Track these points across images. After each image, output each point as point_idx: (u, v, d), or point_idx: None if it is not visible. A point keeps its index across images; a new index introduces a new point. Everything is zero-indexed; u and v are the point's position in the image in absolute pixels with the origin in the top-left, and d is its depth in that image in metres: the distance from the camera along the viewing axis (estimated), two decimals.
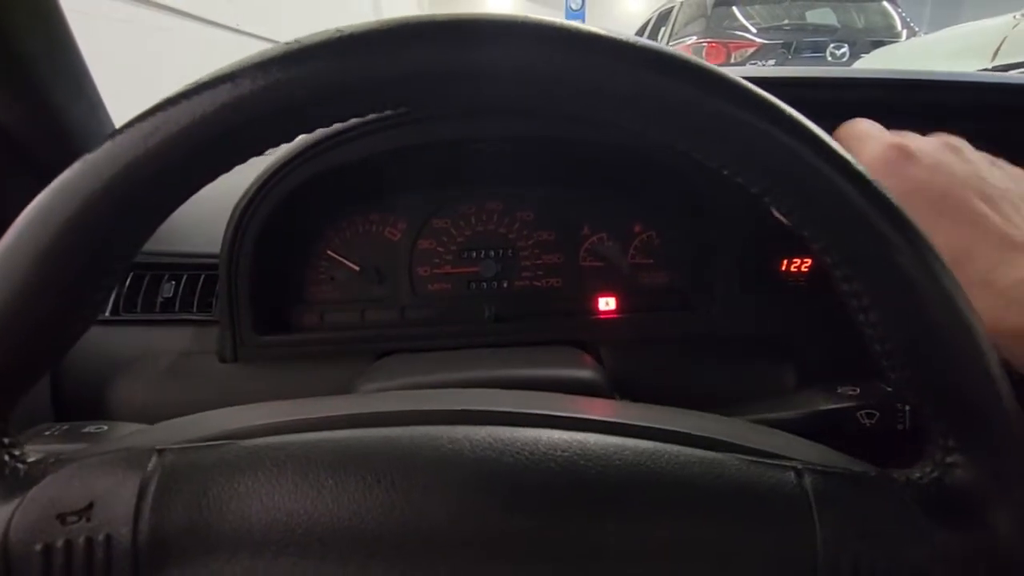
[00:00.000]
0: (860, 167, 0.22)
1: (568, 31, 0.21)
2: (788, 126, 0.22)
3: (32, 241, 0.21)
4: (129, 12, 2.50)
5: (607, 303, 0.59)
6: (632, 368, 0.53)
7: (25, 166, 0.52)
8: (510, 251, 0.60)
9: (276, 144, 0.23)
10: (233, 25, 3.62)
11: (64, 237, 0.21)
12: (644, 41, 0.21)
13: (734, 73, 0.22)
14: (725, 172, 0.23)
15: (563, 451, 0.23)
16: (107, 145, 0.21)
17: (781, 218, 0.23)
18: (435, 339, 0.55)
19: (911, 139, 0.34)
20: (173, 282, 0.56)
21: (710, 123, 0.22)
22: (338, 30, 0.21)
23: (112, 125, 0.58)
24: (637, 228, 0.60)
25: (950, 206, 0.31)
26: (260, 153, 0.23)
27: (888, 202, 0.22)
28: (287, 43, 0.22)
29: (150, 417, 0.51)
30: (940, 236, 0.30)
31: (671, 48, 0.22)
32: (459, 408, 0.26)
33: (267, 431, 0.25)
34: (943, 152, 0.33)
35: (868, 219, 0.21)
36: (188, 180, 0.23)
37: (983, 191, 0.31)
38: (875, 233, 0.21)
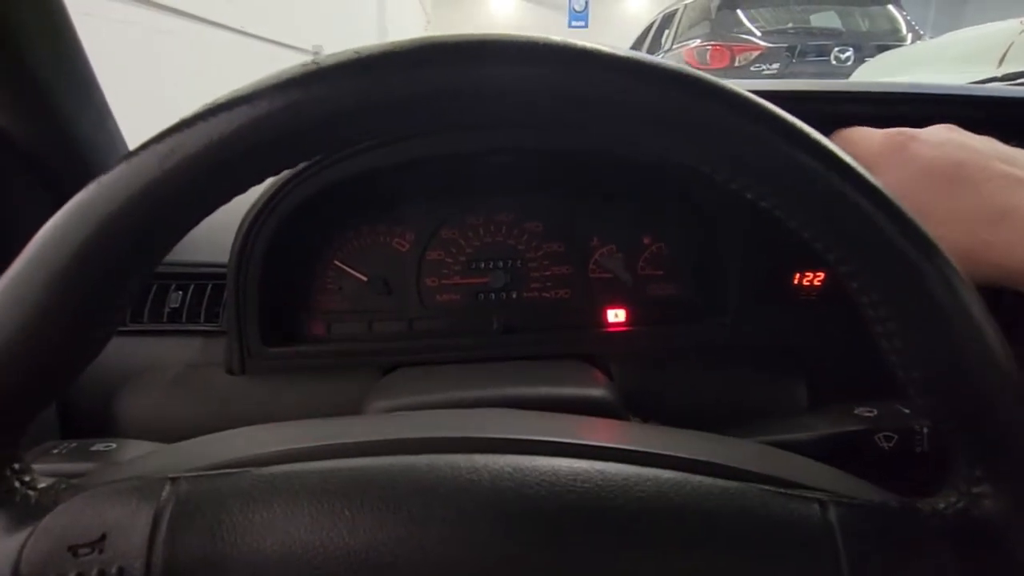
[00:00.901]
0: (890, 193, 0.21)
1: (594, 53, 0.21)
2: (814, 150, 0.21)
3: (47, 264, 0.21)
4: (127, 12, 2.51)
5: (616, 315, 0.59)
6: (642, 383, 0.53)
7: (31, 173, 0.52)
8: (519, 262, 0.59)
9: (294, 165, 0.23)
10: (237, 27, 3.62)
11: (79, 260, 0.21)
12: (672, 64, 0.21)
13: (757, 95, 0.22)
14: (748, 195, 0.23)
15: (583, 482, 0.23)
16: (123, 166, 0.21)
17: None
18: (443, 351, 0.55)
19: (910, 129, 0.34)
20: (180, 292, 0.56)
21: (735, 146, 0.21)
22: (356, 51, 0.21)
23: (120, 134, 0.58)
24: (647, 240, 0.59)
25: (971, 172, 0.31)
26: (277, 173, 0.23)
27: (917, 229, 0.21)
28: (304, 64, 0.21)
29: (157, 429, 0.51)
30: (966, 200, 0.30)
31: (702, 72, 0.22)
32: (478, 436, 0.26)
33: (282, 458, 0.24)
34: (948, 132, 0.34)
35: (898, 246, 0.21)
36: (204, 201, 0.22)
37: (999, 154, 0.31)
38: (905, 261, 0.21)
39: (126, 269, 0.22)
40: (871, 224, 0.21)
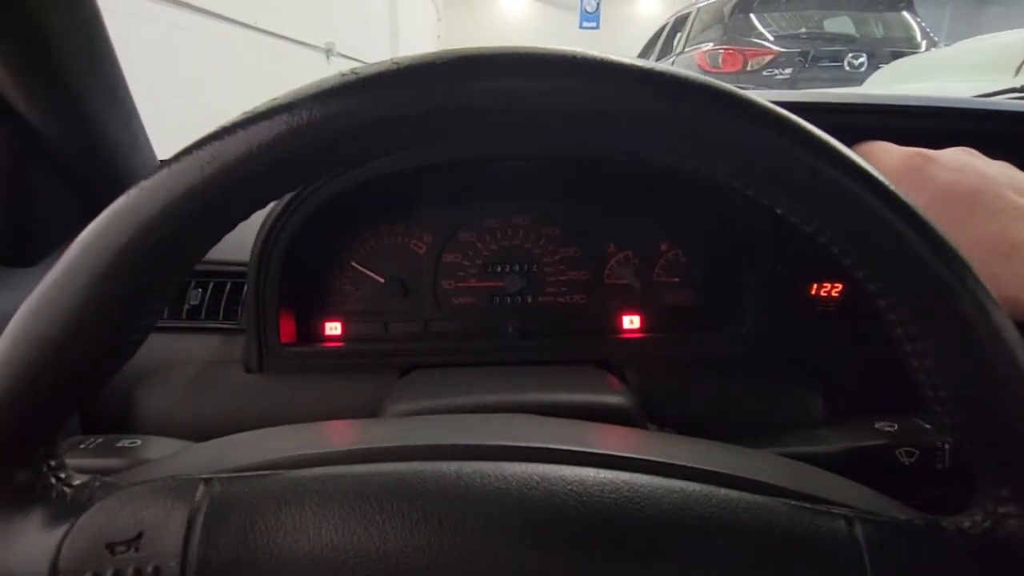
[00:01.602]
0: (922, 212, 0.21)
1: (613, 64, 0.21)
2: (849, 168, 0.21)
3: (88, 267, 0.21)
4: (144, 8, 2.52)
5: (631, 322, 0.59)
6: (658, 390, 0.53)
7: (57, 171, 0.52)
8: (535, 266, 0.60)
9: (330, 174, 0.23)
10: (251, 22, 3.63)
11: (120, 262, 0.21)
12: (710, 80, 0.21)
13: (786, 110, 0.22)
14: (779, 211, 0.23)
15: (610, 492, 0.23)
16: (164, 172, 0.21)
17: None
18: (458, 354, 0.55)
19: (929, 150, 0.34)
20: (199, 289, 0.56)
21: (768, 163, 0.21)
22: (394, 61, 0.21)
23: (145, 134, 0.59)
24: (664, 246, 0.60)
25: (986, 201, 0.31)
26: (313, 182, 0.23)
27: (951, 249, 0.21)
28: (343, 73, 0.22)
29: (176, 425, 0.51)
30: (979, 230, 0.30)
31: (734, 87, 0.22)
32: (506, 444, 0.26)
33: (312, 461, 0.25)
34: (965, 155, 0.34)
35: (930, 266, 0.21)
36: (242, 207, 0.23)
37: (1013, 184, 0.32)
38: (936, 280, 0.21)
39: (164, 273, 0.22)
40: (904, 243, 0.21)
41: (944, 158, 0.33)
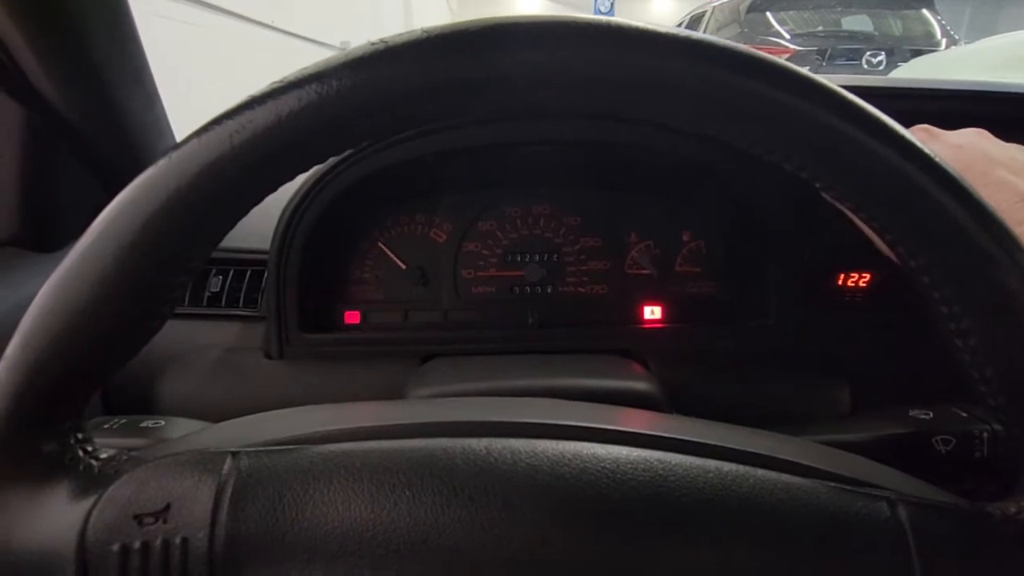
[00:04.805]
0: (968, 184, 0.21)
1: (670, 37, 0.20)
2: (892, 139, 0.21)
3: (116, 237, 0.21)
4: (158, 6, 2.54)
5: (652, 312, 0.58)
6: (680, 380, 0.52)
7: (81, 154, 0.53)
8: (556, 256, 0.59)
9: (358, 145, 0.23)
10: (268, 22, 3.66)
11: (147, 233, 0.21)
12: (754, 51, 0.21)
13: (831, 82, 0.21)
14: (817, 185, 0.22)
15: (644, 470, 0.22)
16: (193, 142, 0.21)
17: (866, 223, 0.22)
18: (478, 343, 0.55)
19: (935, 128, 0.34)
20: (220, 276, 0.56)
21: (810, 134, 0.21)
22: (425, 31, 0.21)
23: (166, 118, 0.59)
24: (686, 236, 0.59)
25: (971, 177, 0.31)
26: (340, 153, 0.23)
27: (999, 224, 0.21)
28: (373, 42, 0.21)
29: (196, 410, 0.51)
30: None
31: (773, 57, 0.21)
32: (536, 421, 0.25)
33: (340, 437, 0.24)
34: (970, 135, 0.34)
35: (976, 239, 0.20)
36: (270, 178, 0.22)
37: (1010, 166, 0.31)
38: (983, 255, 0.20)
39: (191, 244, 0.22)
40: (950, 217, 0.20)
41: (947, 135, 0.33)
